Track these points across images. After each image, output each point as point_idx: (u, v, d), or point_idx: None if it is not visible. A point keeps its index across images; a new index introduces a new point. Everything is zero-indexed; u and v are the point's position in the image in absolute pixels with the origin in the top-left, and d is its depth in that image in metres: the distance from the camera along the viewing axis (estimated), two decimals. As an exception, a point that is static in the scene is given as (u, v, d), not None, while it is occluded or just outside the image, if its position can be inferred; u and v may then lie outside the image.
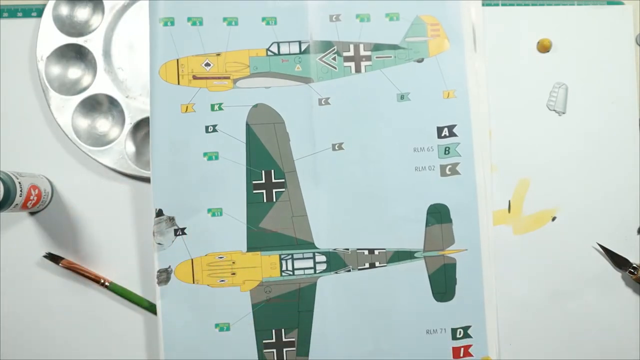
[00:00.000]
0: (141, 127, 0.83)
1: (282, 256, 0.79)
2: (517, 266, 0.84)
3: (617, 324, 0.85)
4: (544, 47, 0.86)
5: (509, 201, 0.85)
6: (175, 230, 0.78)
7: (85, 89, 0.83)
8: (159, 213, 0.78)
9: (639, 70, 0.86)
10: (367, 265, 0.80)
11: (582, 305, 0.85)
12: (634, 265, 0.83)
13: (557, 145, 0.85)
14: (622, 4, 0.86)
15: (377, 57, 0.81)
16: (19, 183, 0.74)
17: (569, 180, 0.85)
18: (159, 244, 0.78)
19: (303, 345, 0.79)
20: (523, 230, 0.85)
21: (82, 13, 0.85)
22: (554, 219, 0.85)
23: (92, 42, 0.83)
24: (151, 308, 0.82)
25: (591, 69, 0.86)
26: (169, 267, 0.78)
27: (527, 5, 0.86)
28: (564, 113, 0.85)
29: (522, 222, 0.85)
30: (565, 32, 0.86)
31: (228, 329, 0.78)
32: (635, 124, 0.86)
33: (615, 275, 0.85)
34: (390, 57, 0.81)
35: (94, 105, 0.83)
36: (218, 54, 0.80)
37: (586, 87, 0.86)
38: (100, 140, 0.83)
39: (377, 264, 0.80)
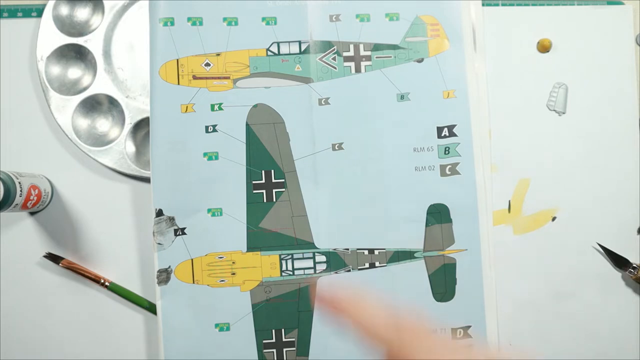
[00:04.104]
0: (141, 127, 0.83)
1: (282, 256, 0.79)
2: (517, 266, 0.84)
3: (617, 324, 0.85)
4: (544, 47, 0.86)
5: (509, 201, 0.85)
6: (175, 230, 0.78)
7: (85, 89, 0.83)
8: (159, 213, 0.78)
9: (639, 70, 0.86)
10: (367, 265, 0.80)
11: (582, 305, 0.85)
12: (634, 265, 0.83)
13: (557, 145, 0.86)
14: (622, 4, 0.86)
15: (377, 57, 0.81)
16: (19, 183, 0.74)
17: (569, 180, 0.85)
18: (159, 244, 0.78)
19: (303, 345, 0.79)
20: (523, 230, 0.85)
21: (82, 13, 0.85)
22: (554, 219, 0.85)
23: (92, 42, 0.83)
24: (151, 308, 0.82)
25: (591, 69, 0.86)
26: (169, 267, 0.78)
27: (527, 5, 0.86)
28: (564, 113, 0.85)
29: (522, 222, 0.85)
30: (565, 32, 0.86)
31: (228, 329, 0.78)
32: (635, 124, 0.86)
33: (615, 275, 0.85)
34: (390, 57, 0.81)
35: (94, 105, 0.83)
36: (218, 54, 0.80)
37: (586, 87, 0.86)
38: (100, 140, 0.83)
39: (377, 264, 0.80)
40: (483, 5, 0.85)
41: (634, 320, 0.85)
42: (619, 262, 0.84)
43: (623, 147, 0.86)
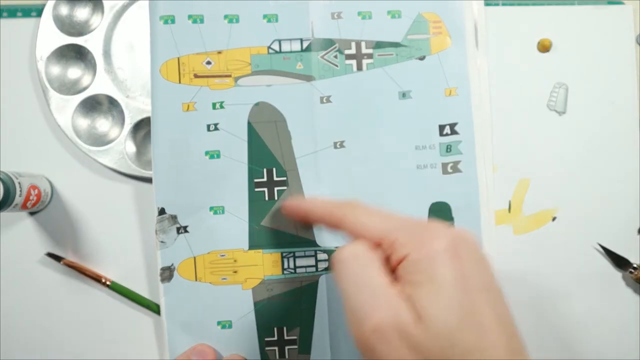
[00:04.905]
0: (141, 127, 0.83)
1: (284, 254, 0.79)
2: (517, 266, 0.84)
3: (617, 324, 0.85)
4: (544, 47, 0.86)
5: (509, 201, 0.85)
6: (178, 229, 0.78)
7: (85, 89, 0.83)
8: (161, 212, 0.78)
9: (639, 70, 0.86)
10: (369, 263, 0.80)
11: (582, 305, 0.85)
12: (634, 265, 0.83)
13: (557, 145, 0.86)
14: (622, 4, 0.87)
15: (378, 55, 0.81)
16: (19, 183, 0.74)
17: (569, 180, 0.85)
18: (162, 242, 0.78)
19: (305, 343, 0.79)
20: (523, 230, 0.85)
21: (82, 13, 0.85)
22: (554, 219, 0.85)
23: (92, 42, 0.83)
24: (152, 307, 0.81)
25: (591, 69, 0.86)
26: (172, 264, 0.78)
27: (527, 5, 0.86)
28: (564, 113, 0.86)
29: (522, 222, 0.85)
30: (565, 32, 0.86)
31: (230, 326, 0.78)
32: (635, 124, 0.86)
33: (615, 275, 0.85)
34: (392, 54, 0.81)
35: (94, 105, 0.83)
36: (219, 52, 0.80)
37: (586, 87, 0.86)
38: (100, 140, 0.83)
39: (379, 261, 0.80)
40: (484, 5, 0.85)
41: (634, 320, 0.85)
42: (619, 262, 0.84)
43: (623, 147, 0.86)
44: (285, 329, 0.79)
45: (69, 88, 0.83)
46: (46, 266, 0.82)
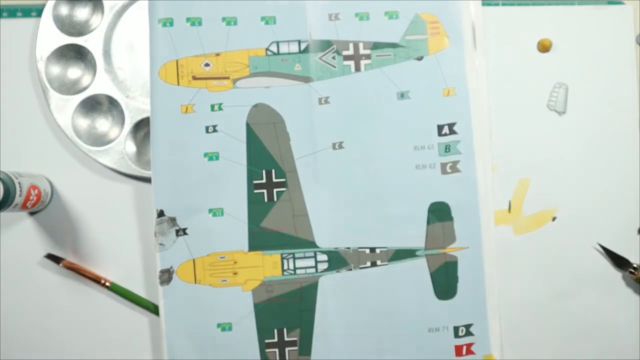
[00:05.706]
0: (141, 127, 0.83)
1: (284, 255, 0.79)
2: (517, 266, 0.84)
3: (617, 324, 0.85)
4: (544, 47, 0.86)
5: (509, 201, 0.85)
6: (177, 231, 0.78)
7: (85, 88, 0.83)
8: (160, 214, 0.78)
9: (639, 70, 0.86)
10: (368, 264, 0.80)
11: (582, 305, 0.85)
12: (634, 265, 0.83)
13: (557, 145, 0.85)
14: (622, 4, 0.86)
15: (376, 56, 0.81)
16: (19, 183, 0.74)
17: (569, 180, 0.85)
18: (161, 244, 0.78)
19: (305, 344, 0.79)
20: (523, 230, 0.85)
21: (82, 13, 0.85)
22: (554, 219, 0.85)
23: (92, 42, 0.83)
24: (152, 308, 0.81)
25: (591, 69, 0.86)
26: (171, 267, 0.78)
27: (527, 5, 0.86)
28: (564, 113, 0.85)
29: (523, 222, 0.85)
30: (565, 32, 0.86)
31: (230, 328, 0.78)
32: (635, 124, 0.86)
33: (615, 275, 0.85)
34: (390, 55, 0.81)
35: (94, 105, 0.83)
36: (217, 54, 0.80)
37: (586, 87, 0.86)
38: (100, 140, 0.83)
39: (378, 262, 0.80)
40: (483, 4, 0.85)
41: (634, 320, 0.85)
42: (619, 262, 0.84)
43: (623, 147, 0.86)
44: (285, 330, 0.79)
45: (69, 88, 0.83)
46: (46, 267, 0.82)
